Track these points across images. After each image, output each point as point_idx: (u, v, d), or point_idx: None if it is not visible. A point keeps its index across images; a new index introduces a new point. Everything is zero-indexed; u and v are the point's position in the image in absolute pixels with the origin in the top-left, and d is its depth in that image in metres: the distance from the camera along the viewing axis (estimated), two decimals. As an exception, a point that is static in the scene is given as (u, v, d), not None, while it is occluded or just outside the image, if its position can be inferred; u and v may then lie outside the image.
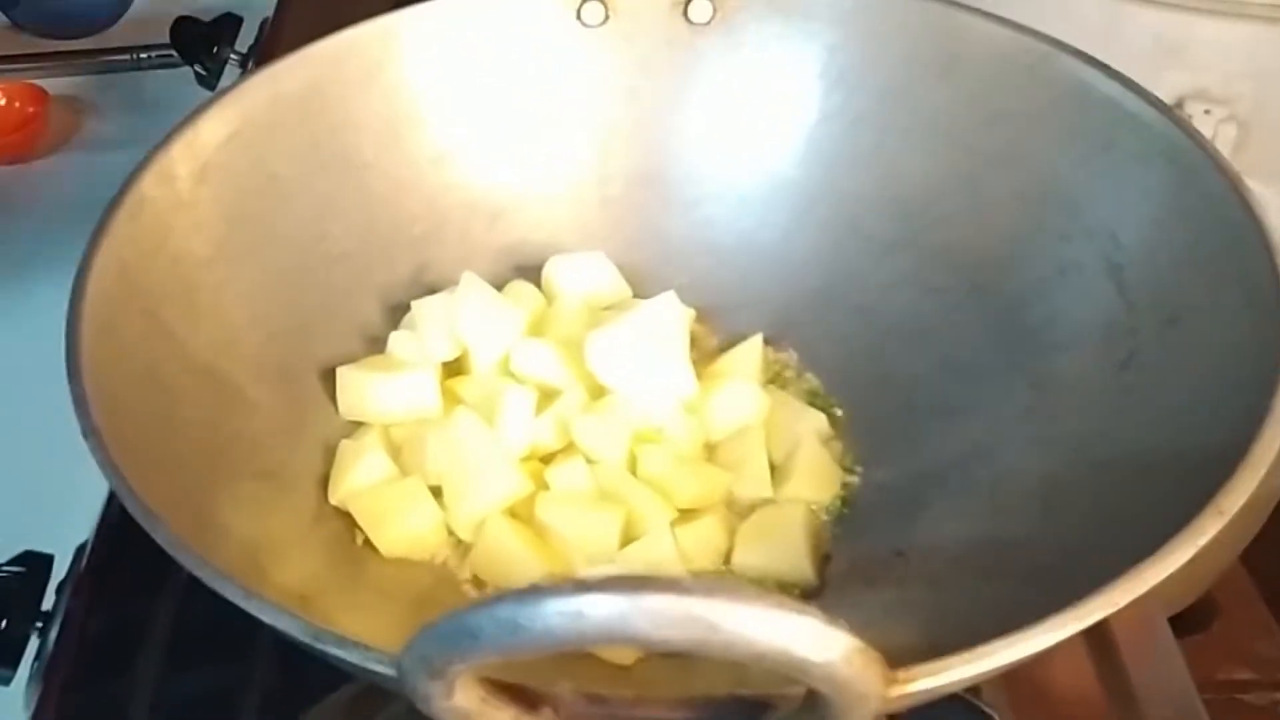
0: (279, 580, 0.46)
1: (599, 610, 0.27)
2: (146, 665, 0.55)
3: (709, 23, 0.61)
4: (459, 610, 0.29)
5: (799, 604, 0.28)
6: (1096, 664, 0.57)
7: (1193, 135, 0.50)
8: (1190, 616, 1.09)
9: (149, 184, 0.51)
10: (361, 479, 0.52)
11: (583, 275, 0.59)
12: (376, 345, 0.58)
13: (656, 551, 0.50)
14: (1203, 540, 0.36)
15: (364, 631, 0.39)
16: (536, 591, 0.28)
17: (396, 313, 0.59)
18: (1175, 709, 0.54)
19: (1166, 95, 0.83)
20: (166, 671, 0.55)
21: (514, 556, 0.50)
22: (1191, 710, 0.54)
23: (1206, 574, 1.11)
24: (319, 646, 0.36)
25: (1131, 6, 0.83)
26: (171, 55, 0.95)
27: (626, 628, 0.27)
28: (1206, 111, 0.83)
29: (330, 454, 0.54)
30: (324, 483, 0.53)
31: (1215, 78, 0.83)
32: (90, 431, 0.42)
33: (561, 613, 0.28)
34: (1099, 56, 0.55)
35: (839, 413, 0.57)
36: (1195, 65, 0.83)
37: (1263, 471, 0.38)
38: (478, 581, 0.51)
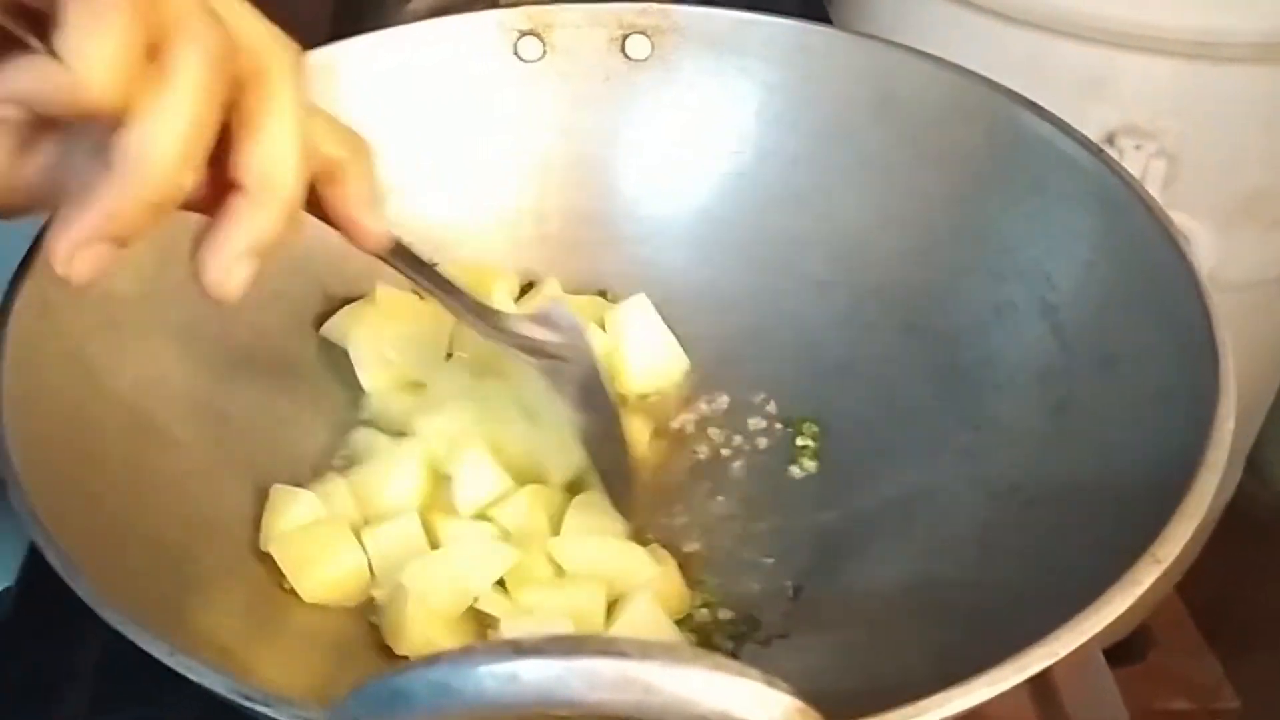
0: (201, 627, 0.45)
1: (533, 674, 0.27)
2: (69, 713, 0.54)
3: (647, 59, 0.61)
4: (390, 672, 0.28)
5: (738, 664, 0.28)
6: (1033, 698, 0.57)
7: (1123, 176, 0.51)
8: (1126, 647, 1.10)
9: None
10: (290, 523, 0.51)
11: None
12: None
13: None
14: (1139, 590, 0.36)
15: (285, 682, 0.38)
16: (470, 653, 0.27)
17: (330, 352, 0.58)
18: (1111, 744, 0.54)
19: (1095, 130, 0.85)
20: (89, 718, 0.54)
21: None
22: (1127, 745, 0.54)
23: (1141, 605, 1.12)
24: (246, 704, 0.35)
25: (1057, 41, 0.84)
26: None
27: (562, 691, 0.27)
28: (1137, 147, 0.84)
29: (259, 496, 0.53)
30: (252, 525, 0.52)
31: (1142, 113, 0.85)
32: (11, 478, 0.40)
33: (495, 675, 0.27)
34: (1027, 92, 0.55)
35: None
36: (1121, 101, 0.85)
37: (1199, 519, 0.38)
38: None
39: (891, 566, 0.51)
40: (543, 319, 0.52)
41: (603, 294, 0.62)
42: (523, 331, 0.51)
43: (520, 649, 0.27)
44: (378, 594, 0.50)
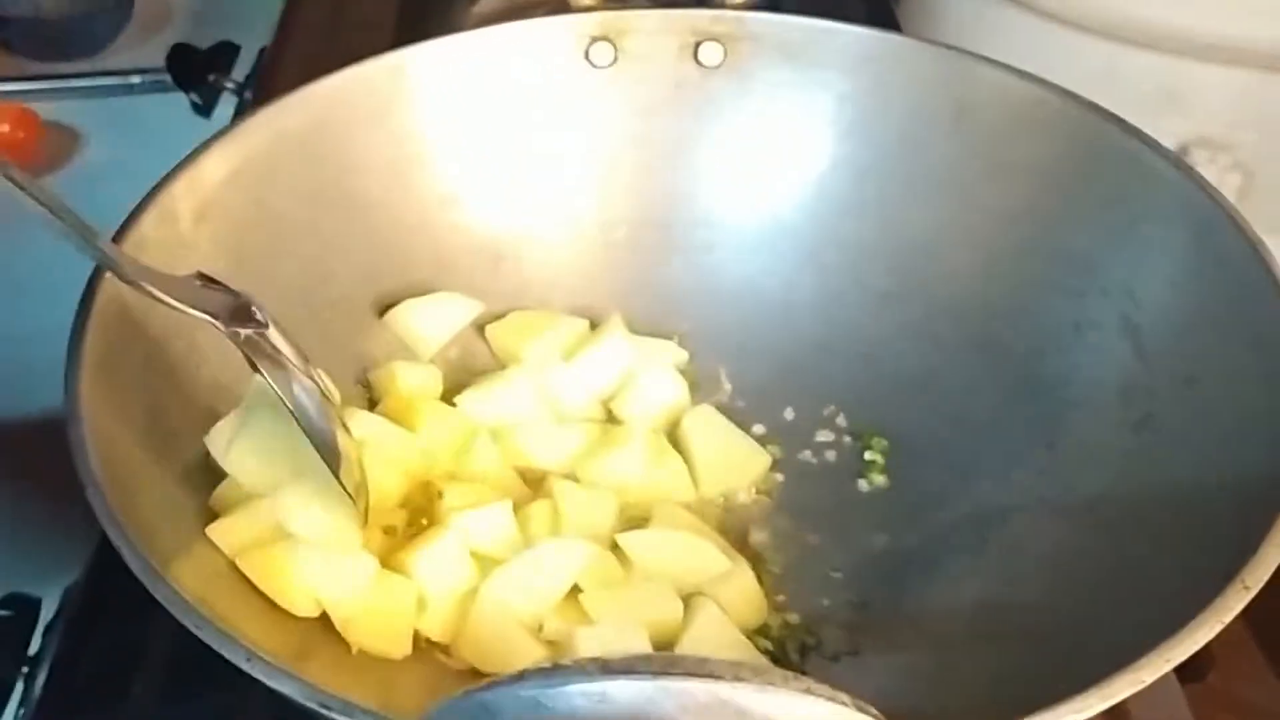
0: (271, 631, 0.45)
1: (625, 693, 0.27)
2: (133, 709, 0.54)
3: (719, 66, 0.61)
4: (476, 688, 0.28)
5: (827, 688, 0.27)
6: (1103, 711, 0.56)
7: (1211, 193, 0.50)
8: (1186, 666, 1.08)
9: (149, 223, 0.50)
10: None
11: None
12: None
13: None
14: (1228, 617, 0.36)
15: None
16: (559, 671, 0.27)
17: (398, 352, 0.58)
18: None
19: (1168, 142, 0.83)
20: (153, 716, 0.54)
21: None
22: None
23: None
24: (323, 712, 0.35)
25: (1132, 52, 0.83)
26: (165, 79, 0.94)
27: (653, 711, 0.27)
28: (1211, 159, 0.83)
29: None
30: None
31: (1217, 125, 0.83)
32: (90, 481, 0.41)
33: (586, 694, 0.27)
34: (1100, 101, 0.55)
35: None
36: (1196, 112, 0.83)
37: (1291, 545, 0.37)
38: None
39: (962, 586, 0.50)
40: (209, 286, 0.47)
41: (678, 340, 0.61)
42: (196, 298, 0.46)
43: (610, 668, 0.27)
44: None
